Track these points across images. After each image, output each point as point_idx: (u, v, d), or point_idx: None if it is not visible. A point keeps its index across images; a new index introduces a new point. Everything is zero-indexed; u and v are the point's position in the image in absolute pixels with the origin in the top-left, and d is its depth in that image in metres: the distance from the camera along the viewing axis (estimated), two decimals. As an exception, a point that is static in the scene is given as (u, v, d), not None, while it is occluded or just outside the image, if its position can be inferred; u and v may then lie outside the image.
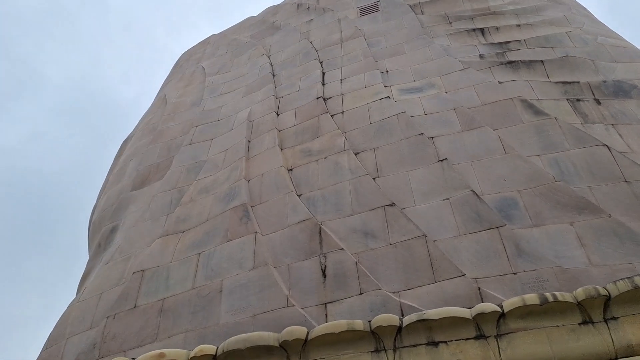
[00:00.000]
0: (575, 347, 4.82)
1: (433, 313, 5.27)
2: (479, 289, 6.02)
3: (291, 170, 8.67)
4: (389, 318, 5.34)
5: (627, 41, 10.84)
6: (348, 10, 14.05)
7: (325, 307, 6.49)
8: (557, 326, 4.98)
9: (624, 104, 8.53)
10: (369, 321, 5.45)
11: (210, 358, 5.59)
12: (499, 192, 7.12)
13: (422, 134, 8.22)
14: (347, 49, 11.97)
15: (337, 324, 5.43)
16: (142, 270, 8.04)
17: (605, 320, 4.93)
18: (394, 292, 6.35)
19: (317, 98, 10.15)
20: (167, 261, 8.03)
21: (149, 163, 11.23)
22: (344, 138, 8.73)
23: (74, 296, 9.66)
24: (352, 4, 14.35)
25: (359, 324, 5.37)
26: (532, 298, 5.05)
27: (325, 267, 6.83)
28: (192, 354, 5.65)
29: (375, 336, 5.37)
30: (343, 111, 9.58)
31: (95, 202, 12.84)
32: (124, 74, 67.88)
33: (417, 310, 5.93)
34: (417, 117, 8.76)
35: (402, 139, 8.32)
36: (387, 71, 10.54)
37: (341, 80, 10.68)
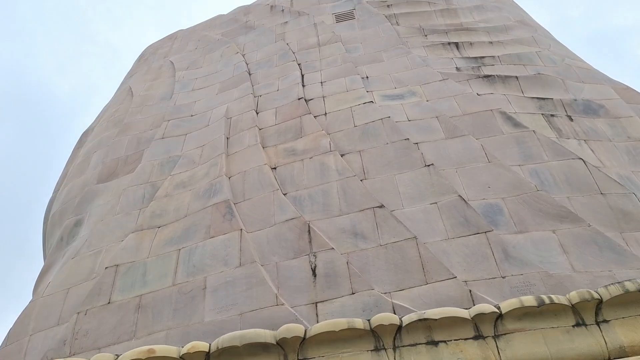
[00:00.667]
0: (570, 348, 4.98)
1: (433, 313, 5.32)
2: (470, 291, 6.13)
3: (274, 169, 8.57)
4: (389, 317, 5.34)
5: (588, 63, 11.44)
6: (323, 15, 14.12)
7: (316, 306, 6.43)
8: (552, 327, 5.14)
9: (593, 121, 8.98)
10: (369, 320, 5.43)
11: (203, 355, 5.39)
12: (484, 199, 7.31)
13: (408, 139, 8.33)
14: (325, 53, 12.00)
15: (336, 322, 5.38)
16: (116, 265, 7.69)
17: (597, 323, 5.14)
18: (385, 293, 6.37)
19: (299, 99, 10.10)
20: (144, 257, 7.72)
21: (116, 156, 10.81)
22: (329, 139, 8.71)
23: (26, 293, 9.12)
24: (327, 10, 14.42)
25: (359, 323, 5.35)
26: (529, 300, 5.20)
27: (316, 266, 6.77)
28: (183, 350, 5.44)
29: (374, 335, 5.35)
30: (326, 113, 9.58)
31: (52, 194, 12.21)
32: (59, 66, 64.98)
33: (410, 311, 5.96)
34: (401, 122, 8.87)
35: (387, 143, 8.40)
36: (367, 77, 10.64)
37: (322, 82, 10.69)
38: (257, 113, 10.26)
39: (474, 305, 5.61)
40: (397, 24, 12.96)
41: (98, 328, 6.97)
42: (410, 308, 6.06)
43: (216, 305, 6.66)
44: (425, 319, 5.28)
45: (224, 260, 7.14)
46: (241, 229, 7.44)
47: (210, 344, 5.50)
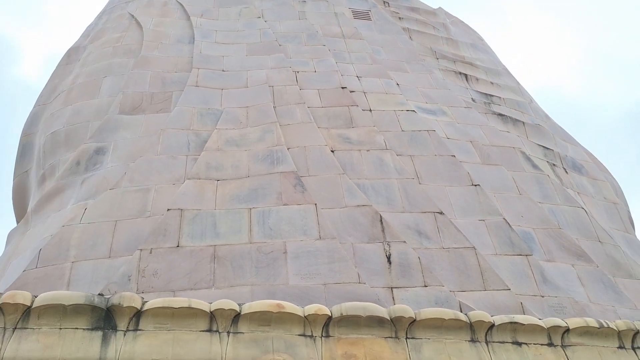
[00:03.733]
0: (618, 365, 6.28)
1: (520, 318, 6.29)
2: (521, 303, 7.22)
3: (332, 152, 8.94)
4: (485, 315, 6.20)
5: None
6: (341, 6, 14.47)
7: (392, 291, 7.06)
8: (604, 347, 6.41)
9: (580, 178, 10.70)
10: (467, 314, 6.24)
11: (325, 318, 5.78)
12: (519, 226, 8.49)
13: (454, 155, 9.24)
14: (352, 46, 12.44)
15: (444, 311, 6.10)
16: (180, 210, 7.57)
17: (634, 348, 6.51)
18: (451, 291, 7.21)
19: (343, 87, 10.49)
20: (210, 207, 7.69)
21: (139, 90, 10.28)
22: (383, 137, 9.30)
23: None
24: (343, 2, 14.79)
25: (462, 316, 6.13)
26: (592, 321, 6.41)
27: (390, 254, 7.39)
28: (309, 311, 5.76)
29: (471, 328, 6.18)
30: (371, 110, 10.12)
31: (35, 107, 11.15)
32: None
33: (472, 310, 6.88)
34: (442, 139, 9.76)
35: (436, 155, 9.23)
36: (397, 84, 11.34)
37: (358, 77, 11.17)
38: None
39: (550, 318, 6.68)
40: (411, 39, 13.80)
41: (169, 270, 6.88)
42: (474, 308, 6.97)
43: (299, 271, 6.97)
44: (514, 322, 6.22)
45: (302, 230, 7.43)
46: (315, 204, 7.76)
47: (332, 309, 5.88)
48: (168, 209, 7.52)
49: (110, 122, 9.51)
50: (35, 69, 48.37)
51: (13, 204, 10.57)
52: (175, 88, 10.34)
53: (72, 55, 12.31)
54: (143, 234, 7.32)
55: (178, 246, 7.10)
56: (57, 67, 12.18)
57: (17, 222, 10.35)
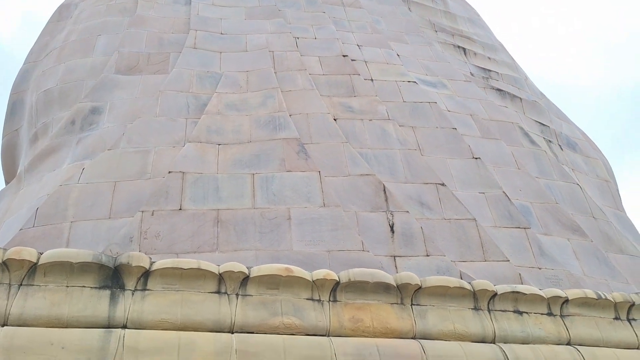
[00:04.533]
0: (614, 335, 6.46)
1: (522, 288, 6.40)
2: (520, 274, 7.35)
3: (335, 120, 8.86)
4: (488, 284, 6.28)
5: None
6: (340, -26, 14.16)
7: (395, 259, 7.11)
8: (601, 317, 6.57)
9: (574, 155, 10.84)
10: (470, 283, 6.32)
11: (333, 283, 5.80)
12: (517, 199, 8.58)
13: (455, 128, 9.24)
14: (352, 15, 12.25)
15: (449, 279, 6.17)
16: (182, 173, 7.46)
17: (629, 320, 6.70)
18: (452, 261, 7.29)
19: (344, 56, 10.35)
20: (212, 171, 7.59)
21: (136, 50, 10.01)
22: (385, 107, 9.24)
23: None
24: (342, -31, 14.47)
25: (466, 284, 6.20)
26: (590, 292, 6.55)
27: (393, 223, 7.41)
28: (316, 276, 5.77)
29: (474, 297, 6.27)
30: (372, 79, 10.03)
31: (24, 64, 10.80)
32: None
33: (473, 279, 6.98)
34: (443, 111, 9.74)
35: (437, 127, 9.22)
36: (397, 55, 11.24)
37: (359, 46, 11.03)
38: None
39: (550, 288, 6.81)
40: (410, 10, 13.65)
41: (172, 232, 6.81)
42: (474, 278, 7.07)
43: (303, 237, 6.96)
44: (516, 292, 6.32)
45: (305, 196, 7.40)
46: (319, 171, 7.71)
47: (339, 275, 5.89)
48: (169, 172, 7.41)
49: (105, 81, 9.26)
50: (8, 29, 46.73)
51: (2, 162, 10.30)
52: (172, 49, 10.08)
53: (63, 12, 11.90)
54: (144, 195, 7.21)
55: (180, 209, 7.02)
56: (47, 23, 11.77)
57: (6, 181, 10.10)
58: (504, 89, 11.51)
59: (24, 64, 10.85)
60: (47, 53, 10.59)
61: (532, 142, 9.90)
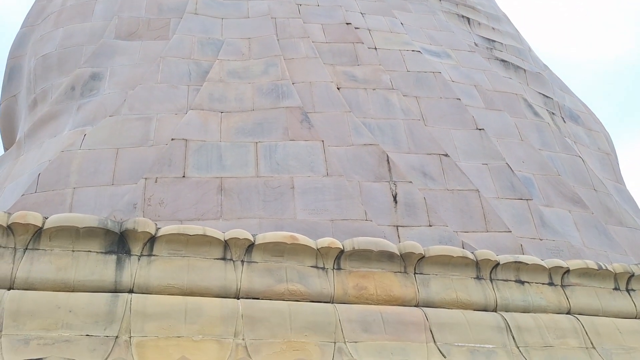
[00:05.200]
0: (613, 305, 6.56)
1: (524, 258, 6.47)
2: (521, 245, 7.41)
3: (338, 89, 8.79)
4: (491, 254, 6.34)
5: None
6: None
7: (397, 229, 7.15)
8: (601, 287, 6.67)
9: (576, 128, 10.82)
10: (473, 252, 6.38)
11: (337, 252, 5.84)
12: (520, 171, 8.59)
13: (459, 99, 9.19)
14: (355, -18, 12.02)
15: (452, 249, 6.22)
16: (185, 140, 7.42)
17: (628, 290, 6.79)
18: (454, 232, 7.33)
19: (347, 23, 10.21)
20: (215, 139, 7.56)
21: (135, 15, 9.84)
22: (389, 76, 9.16)
23: None
24: None
25: (469, 254, 6.26)
26: (591, 263, 6.63)
27: (397, 194, 7.43)
28: (322, 244, 5.80)
29: (477, 266, 6.33)
30: (376, 48, 9.91)
31: (22, 28, 10.62)
32: None
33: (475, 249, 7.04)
34: (447, 81, 9.66)
35: (441, 97, 9.17)
36: (401, 24, 11.09)
37: (362, 14, 10.87)
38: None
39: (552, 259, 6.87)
40: (414, -22, 13.39)
41: (176, 200, 6.81)
42: (477, 248, 7.12)
43: (307, 206, 6.98)
44: (518, 262, 6.39)
45: (309, 166, 7.38)
46: (322, 140, 7.69)
47: (343, 243, 5.93)
48: (172, 139, 7.37)
49: (105, 47, 9.12)
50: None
51: (0, 129, 10.20)
52: (172, 15, 9.91)
53: (58, -25, 11.60)
54: (147, 163, 7.18)
55: (184, 176, 7.01)
56: (42, -14, 11.48)
57: (5, 147, 10.03)
58: (508, 60, 11.42)
59: (21, 28, 10.67)
60: (45, 17, 10.39)
61: (536, 113, 9.87)
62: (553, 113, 10.56)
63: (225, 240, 5.53)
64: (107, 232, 5.23)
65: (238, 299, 5.33)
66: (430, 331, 5.57)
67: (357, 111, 8.48)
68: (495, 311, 6.03)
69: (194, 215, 6.69)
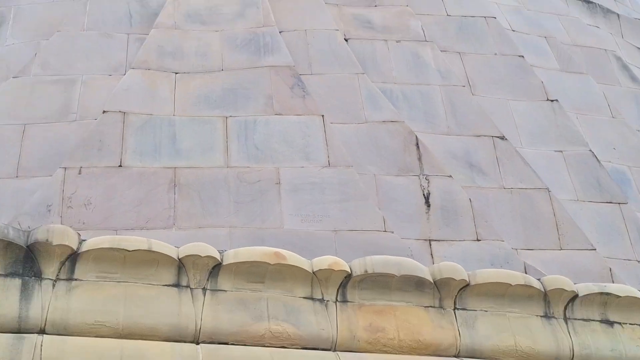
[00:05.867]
0: None
1: (613, 288, 6.49)
2: (610, 269, 7.45)
3: (346, 41, 8.83)
4: (567, 282, 6.36)
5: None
6: None
7: (430, 244, 7.20)
8: None
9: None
10: (539, 279, 6.40)
11: (343, 276, 5.85)
12: (610, 162, 8.63)
13: (523, 56, 9.22)
14: None
15: (510, 274, 6.23)
16: (123, 113, 7.49)
17: None
18: (513, 249, 7.37)
19: (361, -54, 10.22)
20: (167, 112, 7.62)
21: None
22: (420, 22, 9.19)
23: None
24: None
25: (535, 282, 6.28)
26: None
27: (429, 193, 7.46)
28: (318, 265, 5.80)
29: (545, 299, 6.36)
30: (403, -18, 9.93)
31: None
32: None
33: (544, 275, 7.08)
34: (505, 30, 9.69)
35: (496, 54, 9.21)
36: (440, -54, 11.09)
37: None
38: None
39: None
40: None
41: (108, 200, 6.86)
42: (544, 273, 7.16)
43: (298, 210, 7.01)
44: (606, 293, 6.41)
45: (302, 151, 7.43)
46: (322, 115, 7.73)
47: (351, 264, 5.94)
48: (104, 111, 7.46)
49: (7, -24, 9.18)
50: None
51: None
52: None
53: None
54: (67, 145, 7.28)
55: (120, 166, 7.09)
56: None
57: None
58: (594, 1, 11.46)
59: None
60: None
61: (634, 78, 9.94)
62: (659, 77, 10.59)
63: (179, 259, 5.53)
64: (7, 245, 5.23)
65: (197, 344, 5.35)
66: (478, 395, 5.63)
67: (374, 72, 8.54)
68: (572, 364, 6.07)
69: (136, 222, 6.76)
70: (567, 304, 6.42)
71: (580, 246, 7.50)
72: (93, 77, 7.95)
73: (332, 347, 5.65)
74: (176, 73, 8.04)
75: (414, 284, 6.06)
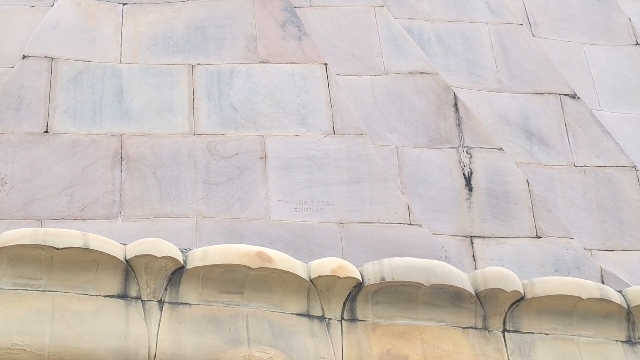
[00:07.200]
0: None
1: None
2: None
3: (355, -41, 8.84)
4: (660, 295, 6.43)
5: None
6: None
7: (472, 241, 7.24)
8: None
9: None
10: (622, 292, 6.46)
11: (351, 286, 5.90)
12: None
13: (603, -15, 9.23)
14: None
15: (581, 283, 6.27)
16: (50, 59, 7.53)
17: None
18: (585, 249, 7.41)
19: None
20: (111, 58, 7.67)
21: None
22: None
23: None
24: None
25: (614, 295, 6.33)
26: None
27: (471, 172, 7.51)
28: (316, 271, 5.82)
29: (628, 319, 6.41)
30: None
31: None
32: None
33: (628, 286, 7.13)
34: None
35: (565, -20, 9.22)
36: None
37: None
38: None
39: None
40: None
41: (29, 180, 6.92)
42: (630, 284, 7.21)
43: (291, 195, 7.07)
44: None
45: (297, 112, 7.48)
46: (325, 63, 7.75)
47: (362, 269, 5.99)
48: (24, 56, 7.49)
49: None
50: None
51: None
52: None
53: None
54: (-29, 104, 7.29)
55: (47, 132, 7.12)
56: None
57: None
58: None
59: None
60: None
61: None
62: None
63: (127, 261, 5.59)
64: None
65: (152, 375, 5.41)
66: None
67: (397, 5, 8.54)
68: (663, 407, 6.13)
69: (66, 210, 6.82)
70: (652, 323, 6.46)
71: (678, 245, 7.55)
72: (8, 10, 7.94)
73: (336, 382, 5.71)
74: (124, 4, 8.06)
75: (449, 297, 6.10)
